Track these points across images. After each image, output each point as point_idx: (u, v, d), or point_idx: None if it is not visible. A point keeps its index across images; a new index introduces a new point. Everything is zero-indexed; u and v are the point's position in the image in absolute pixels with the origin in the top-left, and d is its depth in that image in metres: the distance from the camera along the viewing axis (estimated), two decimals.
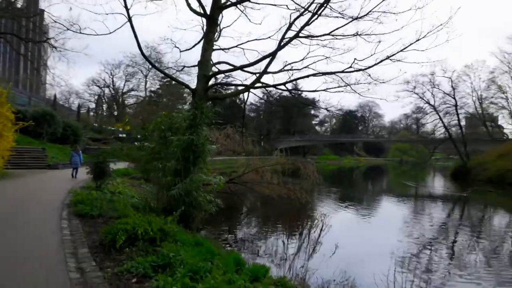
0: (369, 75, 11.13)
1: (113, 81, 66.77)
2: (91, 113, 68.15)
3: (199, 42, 14.22)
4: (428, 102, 50.33)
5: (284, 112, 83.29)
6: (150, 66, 57.15)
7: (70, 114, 50.92)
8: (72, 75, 70.71)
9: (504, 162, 40.58)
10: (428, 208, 22.12)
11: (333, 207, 21.20)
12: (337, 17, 10.98)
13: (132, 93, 68.66)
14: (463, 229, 15.76)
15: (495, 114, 67.73)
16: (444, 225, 16.60)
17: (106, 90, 68.69)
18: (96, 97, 70.10)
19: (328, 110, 13.47)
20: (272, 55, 11.84)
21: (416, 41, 9.95)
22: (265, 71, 13.10)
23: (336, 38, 10.96)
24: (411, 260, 10.33)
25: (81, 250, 5.66)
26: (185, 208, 9.63)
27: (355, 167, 79.05)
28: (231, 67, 12.75)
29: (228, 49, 15.07)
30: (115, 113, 68.82)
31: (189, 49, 14.45)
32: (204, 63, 11.71)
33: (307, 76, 11.00)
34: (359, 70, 10.72)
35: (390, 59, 10.52)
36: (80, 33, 11.40)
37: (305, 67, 14.38)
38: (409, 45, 10.10)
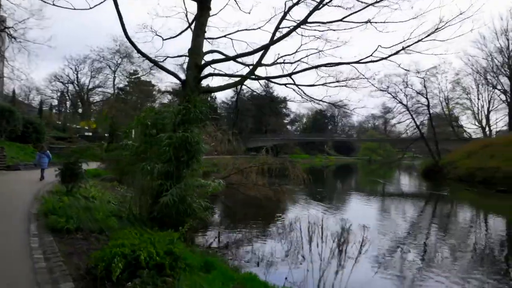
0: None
1: (77, 77, 62.98)
2: (54, 111, 64.04)
3: (186, 29, 12.86)
4: (401, 102, 51.07)
5: (256, 111, 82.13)
6: (119, 61, 54.29)
7: (31, 111, 47.32)
8: (34, 68, 66.06)
9: (473, 161, 41.58)
10: (414, 209, 21.74)
11: (316, 207, 20.32)
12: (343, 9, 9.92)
13: (99, 90, 65.09)
14: (452, 229, 15.35)
15: (460, 115, 70.17)
16: (440, 226, 16.11)
17: (70, 87, 64.76)
18: (59, 93, 65.99)
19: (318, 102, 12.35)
20: (271, 43, 10.69)
21: (436, 30, 9.13)
22: (259, 62, 11.94)
23: (347, 22, 9.86)
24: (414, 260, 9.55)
25: (63, 285, 4.19)
26: (177, 217, 8.31)
27: (326, 165, 79.36)
28: (223, 57, 11.46)
29: (215, 38, 13.77)
30: (80, 110, 65.12)
31: (173, 37, 13.02)
32: (195, 51, 10.34)
33: (322, 66, 9.87)
34: (382, 59, 9.72)
35: (406, 51, 9.63)
36: (53, 5, 9.67)
37: (298, 60, 13.45)
38: (428, 35, 9.25)
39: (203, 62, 10.48)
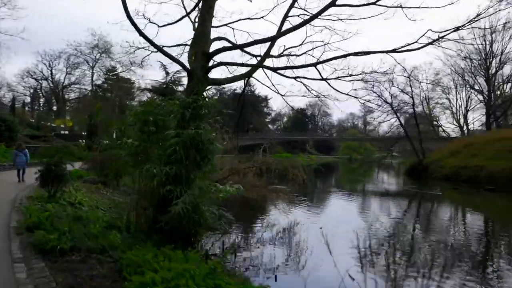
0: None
1: (52, 73, 59.82)
2: (27, 108, 60.65)
3: (184, 16, 11.53)
4: (386, 101, 50.93)
5: (239, 110, 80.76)
6: (98, 57, 51.76)
7: (2, 108, 44.41)
8: (5, 62, 62.30)
9: (456, 160, 41.80)
10: (415, 210, 21.12)
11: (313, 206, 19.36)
12: None
13: (75, 86, 62.02)
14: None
15: (439, 114, 71.34)
16: (455, 228, 15.41)
17: (44, 83, 61.49)
18: (32, 90, 62.60)
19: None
20: (280, 34, 9.58)
21: (477, 16, 8.25)
22: (268, 53, 10.80)
23: (379, 6, 8.82)
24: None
25: None
26: (188, 227, 7.06)
27: (309, 164, 78.95)
28: (230, 45, 10.25)
29: (215, 27, 12.51)
30: (54, 108, 62.00)
31: (171, 24, 11.69)
32: (203, 37, 9.08)
33: (351, 54, 8.77)
34: (423, 46, 8.67)
35: (440, 41, 8.70)
36: None
37: (304, 53, 12.52)
38: (468, 22, 8.34)
39: (211, 50, 9.22)
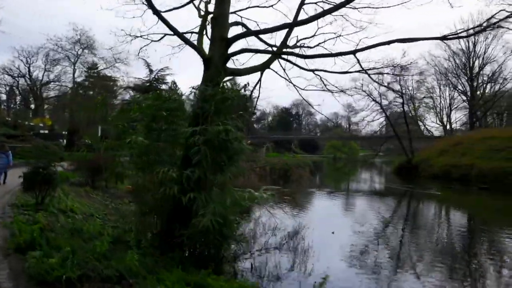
0: None
1: (29, 70, 56.86)
2: (3, 106, 57.56)
3: (191, 1, 10.31)
4: (375, 100, 50.64)
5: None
6: (80, 52, 49.37)
7: None
8: None
9: (446, 159, 41.83)
10: (428, 212, 20.29)
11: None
12: None
13: (55, 84, 59.11)
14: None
15: (424, 113, 71.93)
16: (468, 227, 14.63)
17: (21, 81, 58.45)
18: (7, 88, 59.47)
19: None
20: (297, 23, 8.51)
21: None
22: (285, 43, 9.75)
23: None
24: None
25: None
26: (216, 242, 5.89)
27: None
28: (245, 31, 9.10)
29: None
30: (32, 106, 59.10)
31: (177, 8, 10.41)
32: (221, 21, 7.87)
33: (395, 41, 7.68)
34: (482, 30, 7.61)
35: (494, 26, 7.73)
36: None
37: (316, 45, 11.55)
38: None
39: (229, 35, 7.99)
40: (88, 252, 5.11)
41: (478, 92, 63.29)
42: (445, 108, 67.88)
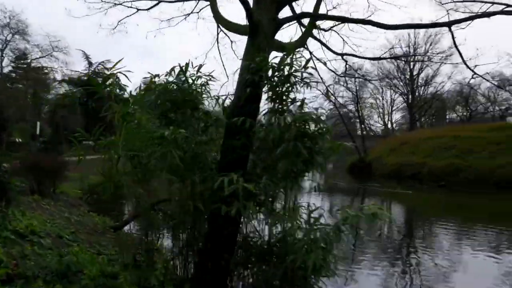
0: None
1: None
2: None
3: None
4: (330, 100, 50.86)
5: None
6: (9, 38, 43.08)
7: None
8: None
9: (397, 157, 42.90)
10: (405, 210, 19.77)
11: None
12: None
13: None
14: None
15: (369, 113, 74.46)
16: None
17: None
18: None
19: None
20: None
21: None
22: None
23: None
24: None
25: None
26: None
27: None
28: None
29: None
30: None
31: None
32: None
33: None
34: None
35: None
36: None
37: (330, 28, 9.93)
38: None
39: None
40: None
41: (417, 94, 66.80)
42: (386, 108, 70.75)
